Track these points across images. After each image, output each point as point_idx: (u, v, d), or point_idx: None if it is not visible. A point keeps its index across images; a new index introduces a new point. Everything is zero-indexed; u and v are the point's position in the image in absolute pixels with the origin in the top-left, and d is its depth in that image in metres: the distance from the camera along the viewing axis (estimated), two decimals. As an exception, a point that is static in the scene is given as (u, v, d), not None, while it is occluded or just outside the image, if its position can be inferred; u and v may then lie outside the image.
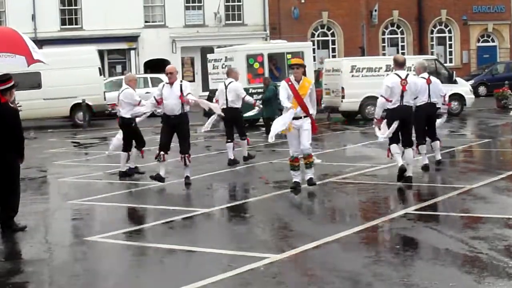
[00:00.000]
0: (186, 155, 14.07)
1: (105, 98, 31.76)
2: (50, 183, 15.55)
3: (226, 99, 16.80)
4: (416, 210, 10.89)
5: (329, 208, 11.87)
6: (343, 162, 16.22)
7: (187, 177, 14.07)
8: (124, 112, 15.34)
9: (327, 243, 9.02)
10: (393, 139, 13.39)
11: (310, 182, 12.99)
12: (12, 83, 10.66)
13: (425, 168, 14.73)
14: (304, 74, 13.14)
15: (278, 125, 12.91)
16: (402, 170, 13.11)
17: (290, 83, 12.89)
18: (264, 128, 24.28)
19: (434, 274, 7.50)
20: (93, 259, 8.93)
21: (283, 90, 12.93)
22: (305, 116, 12.90)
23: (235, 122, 17.05)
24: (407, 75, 13.39)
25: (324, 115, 30.55)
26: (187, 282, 7.48)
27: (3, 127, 10.37)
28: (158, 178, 13.89)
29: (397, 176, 13.24)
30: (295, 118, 12.76)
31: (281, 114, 13.60)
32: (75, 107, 31.31)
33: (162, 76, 37.99)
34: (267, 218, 11.04)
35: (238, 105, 16.96)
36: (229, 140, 16.93)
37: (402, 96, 13.24)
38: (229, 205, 12.06)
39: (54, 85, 30.21)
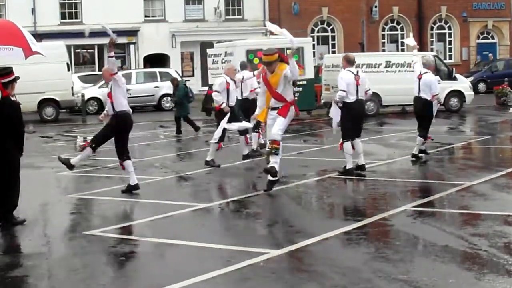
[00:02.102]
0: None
1: (73, 93, 31.91)
2: (49, 177, 15.52)
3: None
4: (415, 206, 10.87)
5: (329, 204, 11.85)
6: (342, 158, 16.18)
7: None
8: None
9: (326, 239, 9.01)
10: (349, 135, 14.16)
11: (271, 171, 12.14)
12: (14, 76, 10.64)
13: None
14: (284, 61, 12.46)
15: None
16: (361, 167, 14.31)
17: (263, 74, 12.68)
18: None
19: (434, 271, 7.49)
20: (92, 253, 8.91)
21: (262, 84, 12.78)
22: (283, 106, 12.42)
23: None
24: (357, 71, 14.44)
25: (324, 110, 30.52)
26: (186, 277, 7.47)
27: (5, 120, 10.35)
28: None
29: (351, 171, 14.02)
30: (273, 109, 12.41)
31: None
32: (43, 102, 31.41)
33: (170, 71, 38.14)
34: (267, 213, 11.04)
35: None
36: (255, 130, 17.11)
37: (357, 91, 14.10)
38: (228, 200, 12.05)
39: (22, 80, 29.90)
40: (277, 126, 12.30)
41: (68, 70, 31.74)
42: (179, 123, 23.44)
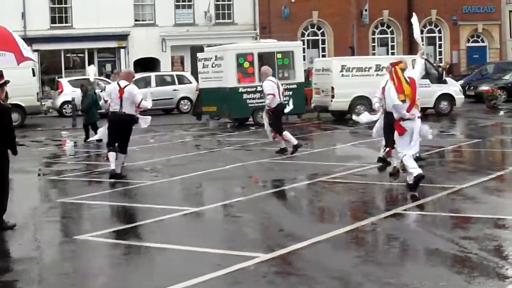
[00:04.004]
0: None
1: (38, 99, 31.79)
2: (40, 181, 15.49)
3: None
4: (405, 210, 10.89)
5: (319, 207, 11.87)
6: (332, 162, 16.23)
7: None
8: None
9: (317, 242, 9.02)
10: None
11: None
12: (4, 80, 10.61)
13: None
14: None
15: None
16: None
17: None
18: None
19: (424, 274, 7.51)
20: (83, 257, 8.90)
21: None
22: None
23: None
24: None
25: (314, 114, 30.57)
26: (177, 281, 7.47)
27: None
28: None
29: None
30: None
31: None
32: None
33: (187, 74, 38.18)
34: (257, 217, 11.03)
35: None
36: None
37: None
38: (219, 204, 12.04)
39: None
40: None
41: (34, 75, 31.60)
42: (88, 130, 23.32)
